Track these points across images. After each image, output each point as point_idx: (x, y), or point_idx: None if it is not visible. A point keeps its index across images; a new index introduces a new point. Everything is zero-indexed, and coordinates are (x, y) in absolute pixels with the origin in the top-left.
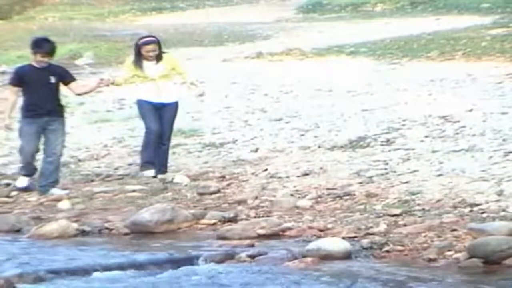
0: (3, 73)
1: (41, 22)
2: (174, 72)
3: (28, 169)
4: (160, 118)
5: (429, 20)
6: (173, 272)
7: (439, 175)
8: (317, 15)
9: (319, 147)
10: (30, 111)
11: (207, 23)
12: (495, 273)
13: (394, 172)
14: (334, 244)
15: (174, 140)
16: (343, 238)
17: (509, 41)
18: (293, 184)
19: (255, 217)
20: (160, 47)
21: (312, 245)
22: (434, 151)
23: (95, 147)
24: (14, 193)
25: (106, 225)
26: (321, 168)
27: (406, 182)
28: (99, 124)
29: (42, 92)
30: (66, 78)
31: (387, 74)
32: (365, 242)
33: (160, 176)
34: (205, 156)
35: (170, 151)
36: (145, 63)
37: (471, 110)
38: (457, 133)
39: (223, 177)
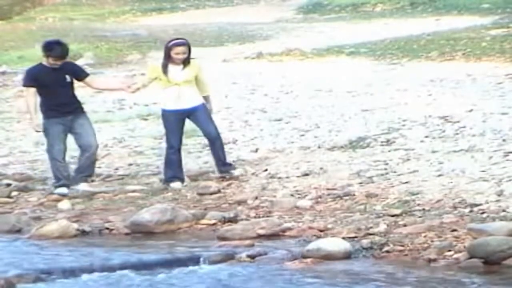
0: (3, 73)
1: (41, 23)
2: (195, 79)
3: (62, 175)
4: (197, 122)
5: (429, 20)
6: (173, 272)
7: (439, 175)
8: (317, 16)
9: (319, 147)
10: (54, 111)
11: (207, 23)
12: (495, 273)
13: (394, 172)
14: (334, 244)
15: None
16: (343, 238)
17: (509, 41)
18: (293, 184)
19: (255, 217)
20: (189, 51)
21: (312, 245)
22: (434, 151)
23: None
24: (14, 193)
25: (106, 225)
26: (321, 168)
27: (406, 182)
28: (99, 124)
29: (61, 92)
30: (80, 74)
31: (387, 74)
32: (365, 242)
33: (232, 170)
34: (205, 156)
35: None
36: (171, 67)
37: (471, 110)
38: (457, 133)
39: (223, 177)
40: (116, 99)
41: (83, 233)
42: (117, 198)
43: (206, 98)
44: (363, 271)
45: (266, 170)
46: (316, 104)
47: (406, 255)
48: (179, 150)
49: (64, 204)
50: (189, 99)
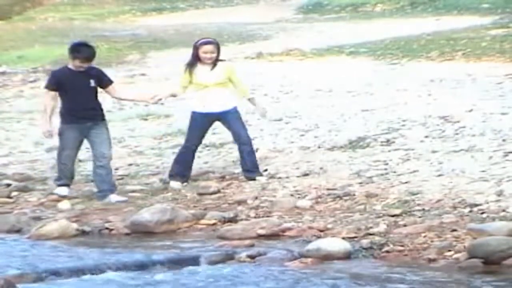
0: (3, 73)
1: (41, 22)
2: (230, 82)
3: (66, 176)
4: (228, 126)
5: (429, 20)
6: (173, 272)
7: (439, 175)
8: (317, 16)
9: (319, 147)
10: (73, 116)
11: (207, 23)
12: (495, 273)
13: (394, 172)
14: (334, 244)
15: (174, 141)
16: (343, 238)
17: (509, 41)
18: (293, 184)
19: (255, 217)
20: (218, 51)
21: (312, 245)
22: (434, 151)
23: None
24: (14, 193)
25: (106, 225)
26: (321, 168)
27: (406, 182)
28: None
29: (83, 96)
30: (105, 81)
31: (387, 74)
32: (365, 242)
33: (257, 177)
34: (205, 156)
35: (170, 151)
36: (200, 68)
37: (471, 110)
38: (457, 133)
39: (223, 177)
40: (115, 99)
41: (83, 233)
42: None
43: (251, 100)
44: (363, 271)
45: (266, 170)
46: (316, 104)
47: (406, 255)
48: (193, 151)
49: (64, 204)
50: (219, 102)
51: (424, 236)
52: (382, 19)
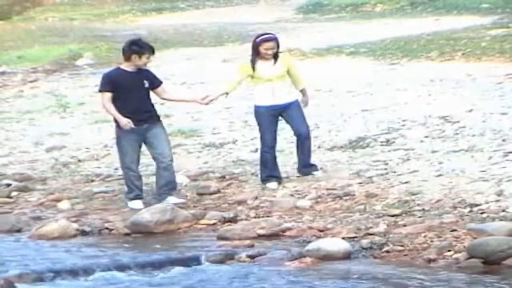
0: (3, 73)
1: (41, 23)
2: (288, 73)
3: (136, 186)
4: (289, 120)
5: (428, 20)
6: (173, 272)
7: (439, 175)
8: (317, 16)
9: (319, 147)
10: (129, 119)
11: (207, 23)
12: (495, 273)
13: (394, 172)
14: (334, 244)
15: (174, 140)
16: (343, 238)
17: (509, 41)
18: (293, 184)
19: (255, 217)
20: (278, 46)
21: (312, 245)
22: (434, 151)
23: (95, 147)
24: (14, 193)
25: (106, 225)
26: (321, 168)
27: (406, 182)
28: (99, 124)
29: (139, 98)
30: (156, 82)
31: (387, 74)
32: (365, 242)
33: (314, 172)
34: (205, 156)
35: None
36: (260, 63)
37: (471, 110)
38: (457, 133)
39: (223, 177)
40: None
41: (83, 233)
42: (117, 198)
43: (302, 91)
44: (363, 271)
45: None
46: (316, 104)
47: (405, 255)
48: (273, 148)
49: (64, 204)
50: (283, 95)
51: (424, 236)
52: (382, 19)
